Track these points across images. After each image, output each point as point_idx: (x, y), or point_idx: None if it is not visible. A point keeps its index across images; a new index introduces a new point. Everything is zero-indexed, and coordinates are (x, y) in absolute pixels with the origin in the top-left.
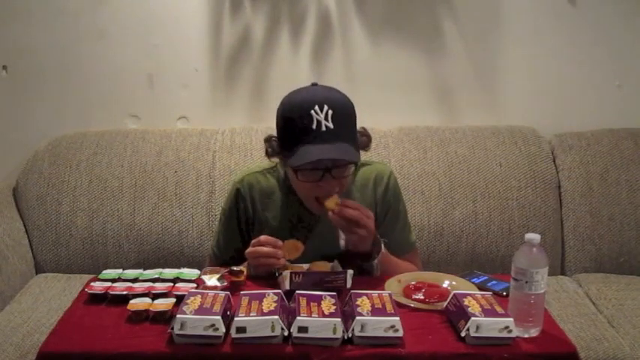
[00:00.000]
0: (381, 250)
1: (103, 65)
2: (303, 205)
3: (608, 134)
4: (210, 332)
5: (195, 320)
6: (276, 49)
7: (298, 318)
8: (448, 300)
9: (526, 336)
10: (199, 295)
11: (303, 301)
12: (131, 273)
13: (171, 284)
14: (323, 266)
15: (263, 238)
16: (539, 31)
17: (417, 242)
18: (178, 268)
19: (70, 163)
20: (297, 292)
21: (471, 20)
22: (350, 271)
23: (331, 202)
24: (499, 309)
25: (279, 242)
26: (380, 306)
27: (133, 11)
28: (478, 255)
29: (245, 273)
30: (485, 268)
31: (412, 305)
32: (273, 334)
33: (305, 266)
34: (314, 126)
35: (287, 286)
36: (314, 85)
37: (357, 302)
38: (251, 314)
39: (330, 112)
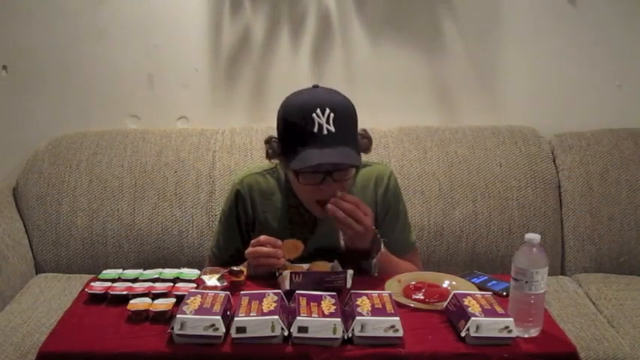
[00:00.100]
0: (381, 249)
1: (103, 65)
2: (303, 206)
3: (608, 134)
4: (210, 332)
5: (195, 320)
6: (276, 49)
7: (298, 318)
8: (448, 300)
9: (526, 336)
10: (199, 295)
11: (303, 301)
12: (131, 273)
13: (171, 284)
14: (323, 266)
15: (263, 238)
16: (539, 31)
17: (417, 242)
18: (178, 268)
19: (70, 163)
20: (297, 292)
21: (471, 20)
22: (350, 271)
23: None
24: (499, 309)
25: (279, 242)
26: (380, 306)
27: (133, 11)
28: (478, 255)
29: (245, 273)
30: (485, 268)
31: (412, 305)
32: (273, 334)
33: (305, 266)
34: (315, 129)
35: (287, 286)
36: (315, 87)
37: (357, 302)
38: (251, 314)
39: (332, 115)
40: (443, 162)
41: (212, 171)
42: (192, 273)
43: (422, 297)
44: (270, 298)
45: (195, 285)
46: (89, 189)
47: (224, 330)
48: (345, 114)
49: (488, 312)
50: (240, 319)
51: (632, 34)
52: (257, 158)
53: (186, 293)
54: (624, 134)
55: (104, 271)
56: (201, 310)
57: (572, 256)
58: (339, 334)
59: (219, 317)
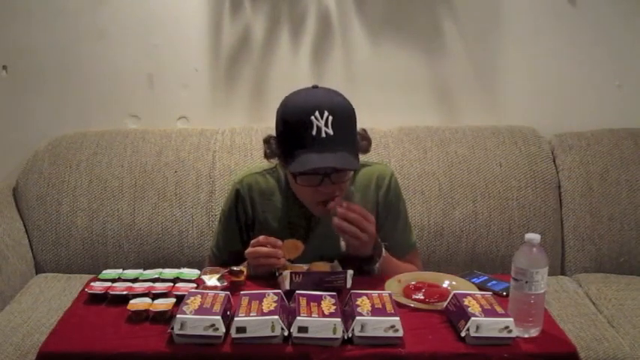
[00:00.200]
0: (382, 253)
1: (103, 65)
2: (303, 206)
3: (608, 134)
4: (210, 332)
5: (195, 320)
6: (276, 49)
7: (298, 318)
8: (448, 300)
9: (526, 336)
10: (199, 295)
11: (303, 301)
12: (131, 273)
13: (171, 284)
14: (323, 266)
15: (262, 238)
16: (539, 31)
17: (417, 242)
18: (178, 268)
19: (70, 163)
20: (297, 292)
21: (471, 20)
22: (350, 271)
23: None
24: (499, 309)
25: (279, 242)
26: (380, 306)
27: (133, 11)
28: (478, 255)
29: (245, 273)
30: (485, 268)
31: (412, 305)
32: (273, 334)
33: (305, 266)
34: (314, 132)
35: (287, 286)
36: (315, 87)
37: (357, 302)
38: (251, 314)
39: (331, 118)
40: (443, 162)
41: (212, 171)
42: (192, 273)
43: (422, 297)
44: (270, 298)
45: (195, 285)
46: (89, 189)
47: (224, 330)
48: (344, 116)
49: (488, 312)
50: (240, 319)
51: (632, 34)
52: (257, 158)
53: (186, 293)
54: (624, 134)
55: (104, 271)
56: (201, 310)
57: (572, 256)
58: (339, 334)
59: (219, 317)
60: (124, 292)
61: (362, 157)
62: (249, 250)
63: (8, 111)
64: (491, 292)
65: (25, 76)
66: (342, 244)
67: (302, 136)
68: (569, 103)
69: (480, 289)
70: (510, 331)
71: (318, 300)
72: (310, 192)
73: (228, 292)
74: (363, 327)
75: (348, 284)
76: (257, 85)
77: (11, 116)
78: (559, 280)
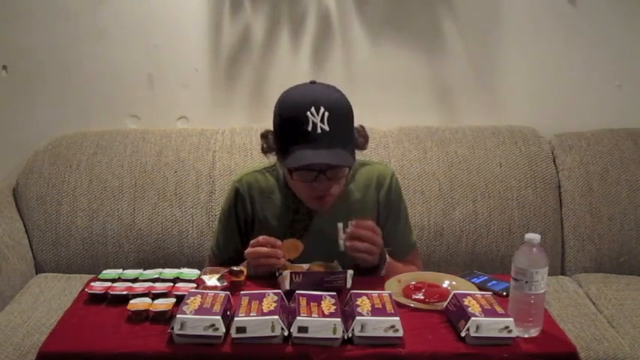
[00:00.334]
0: (387, 260)
1: (103, 65)
2: (302, 204)
3: (608, 134)
4: (210, 332)
5: (195, 320)
6: (276, 49)
7: (298, 318)
8: (448, 300)
9: (526, 336)
10: (199, 295)
11: (303, 301)
12: (131, 273)
13: (171, 284)
14: (323, 266)
15: (262, 238)
16: (539, 31)
17: (417, 242)
18: (178, 268)
19: (70, 163)
20: (297, 292)
21: (471, 20)
22: (350, 271)
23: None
24: (499, 309)
25: (279, 242)
26: (380, 306)
27: (133, 11)
28: (478, 255)
29: (245, 273)
30: (485, 268)
31: (412, 305)
32: (273, 334)
33: (305, 266)
34: (309, 128)
35: (287, 286)
36: (312, 82)
37: (357, 302)
38: (251, 314)
39: (327, 114)
40: (443, 162)
41: (212, 171)
42: (192, 273)
43: (422, 297)
44: (270, 298)
45: (195, 285)
46: (89, 189)
47: (224, 330)
48: (341, 112)
49: (488, 312)
50: (240, 319)
51: (632, 34)
52: (257, 158)
53: (186, 293)
54: (624, 134)
55: (104, 271)
56: (201, 310)
57: (572, 256)
58: (339, 334)
59: (219, 317)
60: (124, 292)
61: (362, 157)
62: (249, 250)
63: (8, 111)
64: (491, 292)
65: (25, 76)
66: (341, 242)
67: (297, 131)
68: (569, 103)
69: (480, 289)
70: (510, 331)
71: (318, 300)
72: (306, 188)
73: (228, 292)
74: (363, 327)
75: (348, 284)
76: (257, 85)
77: (11, 116)
78: (559, 280)
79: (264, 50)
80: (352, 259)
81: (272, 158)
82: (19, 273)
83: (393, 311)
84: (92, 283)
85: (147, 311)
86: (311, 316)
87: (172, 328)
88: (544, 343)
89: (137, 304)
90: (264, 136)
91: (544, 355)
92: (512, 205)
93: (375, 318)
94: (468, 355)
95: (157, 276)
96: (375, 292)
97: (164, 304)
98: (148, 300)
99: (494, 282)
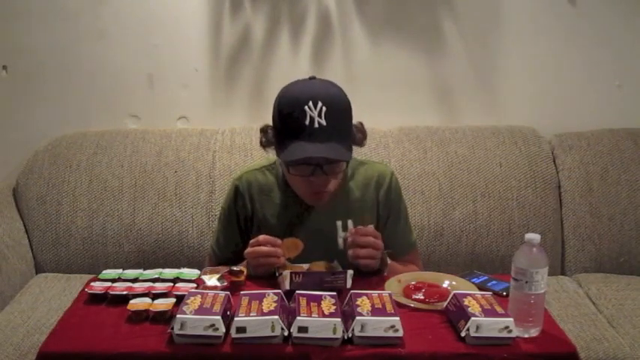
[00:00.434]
0: (387, 262)
1: (103, 65)
2: (302, 202)
3: (608, 134)
4: (210, 332)
5: (195, 320)
6: (276, 49)
7: (298, 318)
8: (448, 300)
9: (526, 336)
10: (199, 295)
11: (303, 301)
12: (131, 273)
13: (171, 284)
14: (323, 266)
15: (262, 237)
16: (539, 31)
17: (417, 242)
18: (178, 268)
19: (70, 163)
20: (297, 292)
21: (471, 20)
22: (350, 271)
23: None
24: (499, 309)
25: (279, 241)
26: (380, 306)
27: (133, 11)
28: (478, 255)
29: (245, 273)
30: (485, 268)
31: (412, 305)
32: (273, 334)
33: (305, 266)
34: (307, 122)
35: (287, 286)
36: (312, 78)
37: (357, 302)
38: (251, 314)
39: (324, 108)
40: (443, 162)
41: (212, 171)
42: (192, 273)
43: (422, 297)
44: (270, 298)
45: (195, 285)
46: (89, 189)
47: (224, 330)
48: (339, 108)
49: (488, 312)
50: (240, 319)
51: (632, 34)
52: (257, 158)
53: (186, 293)
54: (624, 134)
55: (104, 271)
56: (201, 310)
57: (572, 256)
58: (339, 334)
59: (219, 317)
60: (124, 292)
61: (362, 156)
62: (249, 250)
63: (8, 111)
64: (491, 292)
65: (25, 76)
66: (340, 241)
67: (295, 125)
68: (569, 103)
69: (480, 289)
70: (510, 331)
71: (318, 300)
72: (303, 182)
73: (228, 292)
74: (363, 327)
75: (348, 284)
76: (257, 85)
77: (11, 116)
78: (559, 280)
79: (264, 50)
80: (355, 265)
81: (271, 152)
82: (19, 273)
83: (393, 311)
84: (92, 283)
85: (147, 311)
86: (311, 316)
87: (172, 328)
88: (544, 343)
89: (137, 304)
90: (263, 130)
91: (544, 355)
92: (512, 205)
93: (375, 318)
94: (468, 355)
95: (157, 276)
96: (375, 292)
97: (164, 304)
98: (148, 300)
99: (494, 282)
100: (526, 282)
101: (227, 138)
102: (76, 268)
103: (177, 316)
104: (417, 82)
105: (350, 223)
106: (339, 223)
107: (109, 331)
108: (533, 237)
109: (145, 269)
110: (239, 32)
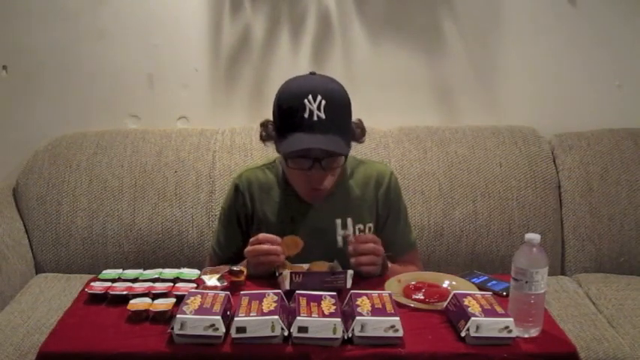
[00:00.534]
0: (388, 266)
1: (103, 65)
2: (301, 200)
3: (608, 134)
4: (210, 332)
5: (195, 320)
6: (276, 49)
7: (298, 318)
8: (448, 300)
9: (526, 336)
10: (199, 295)
11: (303, 301)
12: (131, 273)
13: (171, 284)
14: (323, 266)
15: (261, 236)
16: (539, 31)
17: (417, 242)
18: (178, 268)
19: (70, 163)
20: (297, 292)
21: (471, 20)
22: (350, 271)
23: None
24: (499, 309)
25: (278, 239)
26: (380, 306)
27: (133, 11)
28: (478, 255)
29: (245, 273)
30: (485, 268)
31: (412, 305)
32: (273, 334)
33: (305, 266)
34: (306, 115)
35: (287, 286)
36: (312, 73)
37: (357, 302)
38: (251, 314)
39: (324, 102)
40: (443, 162)
41: (212, 171)
42: (192, 273)
43: (422, 297)
44: (270, 298)
45: (195, 285)
46: (89, 189)
47: (224, 330)
48: (338, 103)
49: (488, 312)
50: (240, 319)
51: (632, 34)
52: (257, 158)
53: (186, 293)
54: (624, 134)
55: (104, 271)
56: (201, 310)
57: (572, 256)
58: (339, 334)
59: (219, 317)
60: (124, 292)
61: (362, 156)
62: (249, 248)
63: (8, 111)
64: (491, 292)
65: (25, 76)
66: (339, 239)
67: (295, 118)
68: (569, 103)
69: (480, 289)
70: (510, 331)
71: (318, 300)
72: (302, 177)
73: (228, 292)
74: (363, 327)
75: (348, 284)
76: (257, 85)
77: (11, 116)
78: (559, 280)
79: (264, 50)
80: (358, 273)
81: (270, 147)
82: (19, 273)
83: (393, 311)
84: (92, 283)
85: (147, 311)
86: (311, 316)
87: (172, 328)
88: (544, 343)
89: (137, 304)
90: (263, 124)
91: (544, 355)
92: (512, 205)
93: (375, 318)
94: (468, 355)
95: (157, 276)
96: (375, 292)
97: (164, 304)
98: (148, 300)
99: (494, 282)
100: (526, 282)
101: (227, 138)
102: (76, 268)
103: (177, 316)
104: (417, 82)
105: (349, 221)
106: (338, 221)
107: (109, 331)
108: (533, 237)
109: (145, 269)
110: (239, 32)
